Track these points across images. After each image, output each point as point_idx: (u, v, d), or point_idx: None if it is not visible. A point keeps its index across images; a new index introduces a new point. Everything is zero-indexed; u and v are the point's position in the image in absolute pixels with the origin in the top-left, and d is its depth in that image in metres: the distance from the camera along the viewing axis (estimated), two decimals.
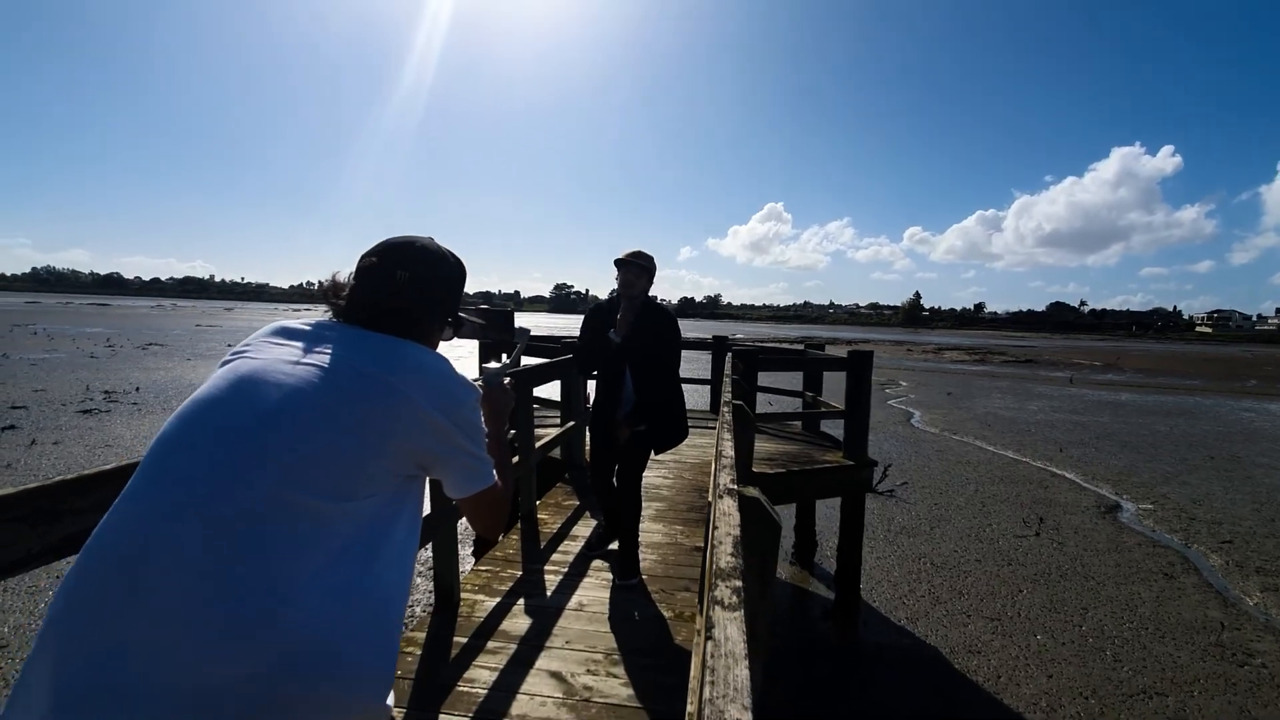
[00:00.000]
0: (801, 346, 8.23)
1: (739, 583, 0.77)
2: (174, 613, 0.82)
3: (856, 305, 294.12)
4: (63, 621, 0.83)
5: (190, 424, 0.96)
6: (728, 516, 1.03)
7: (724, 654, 0.61)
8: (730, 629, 0.65)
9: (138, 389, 16.88)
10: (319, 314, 1.19)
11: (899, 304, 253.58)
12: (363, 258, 1.17)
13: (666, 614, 2.76)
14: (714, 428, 7.39)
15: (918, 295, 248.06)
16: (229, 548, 0.85)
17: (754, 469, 4.75)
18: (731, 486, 1.18)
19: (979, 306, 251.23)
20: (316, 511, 0.91)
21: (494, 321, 1.53)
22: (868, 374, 5.52)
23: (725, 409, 2.20)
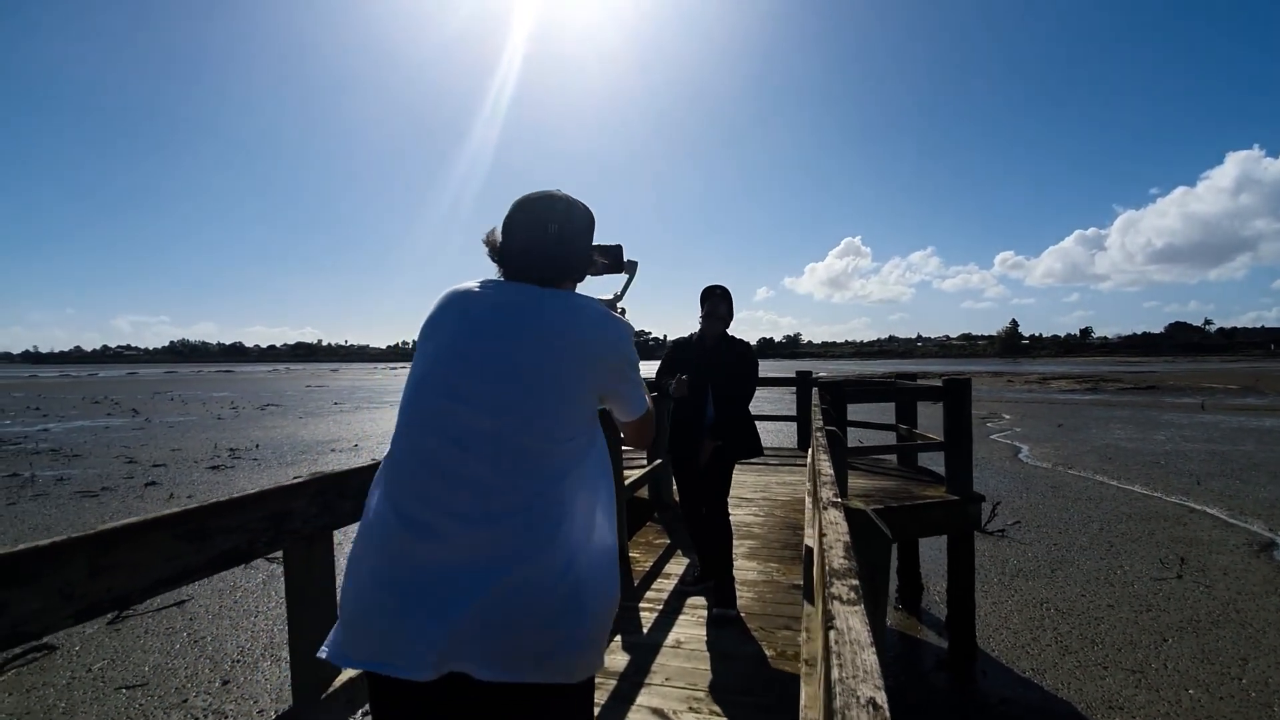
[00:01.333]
0: (892, 378, 7.93)
1: (855, 581, 0.75)
2: (478, 518, 1.03)
3: (947, 337, 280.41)
4: (379, 527, 1.05)
5: (438, 390, 1.13)
6: (835, 525, 1.00)
7: (848, 641, 0.59)
8: (852, 620, 0.63)
9: (258, 446, 18.36)
10: (485, 278, 1.28)
11: (994, 333, 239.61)
12: (513, 215, 1.28)
13: (768, 652, 2.66)
14: (802, 465, 7.18)
15: (1015, 323, 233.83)
16: (513, 471, 1.06)
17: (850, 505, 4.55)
18: (835, 499, 1.15)
19: (1085, 331, 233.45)
20: (547, 450, 1.09)
21: (611, 257, 1.70)
22: (967, 402, 5.23)
23: (818, 433, 2.15)
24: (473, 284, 1.25)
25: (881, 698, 0.48)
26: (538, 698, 1.04)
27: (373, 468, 1.64)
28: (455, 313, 1.19)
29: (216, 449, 17.96)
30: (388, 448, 1.15)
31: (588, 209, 1.33)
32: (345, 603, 1.05)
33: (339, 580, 1.15)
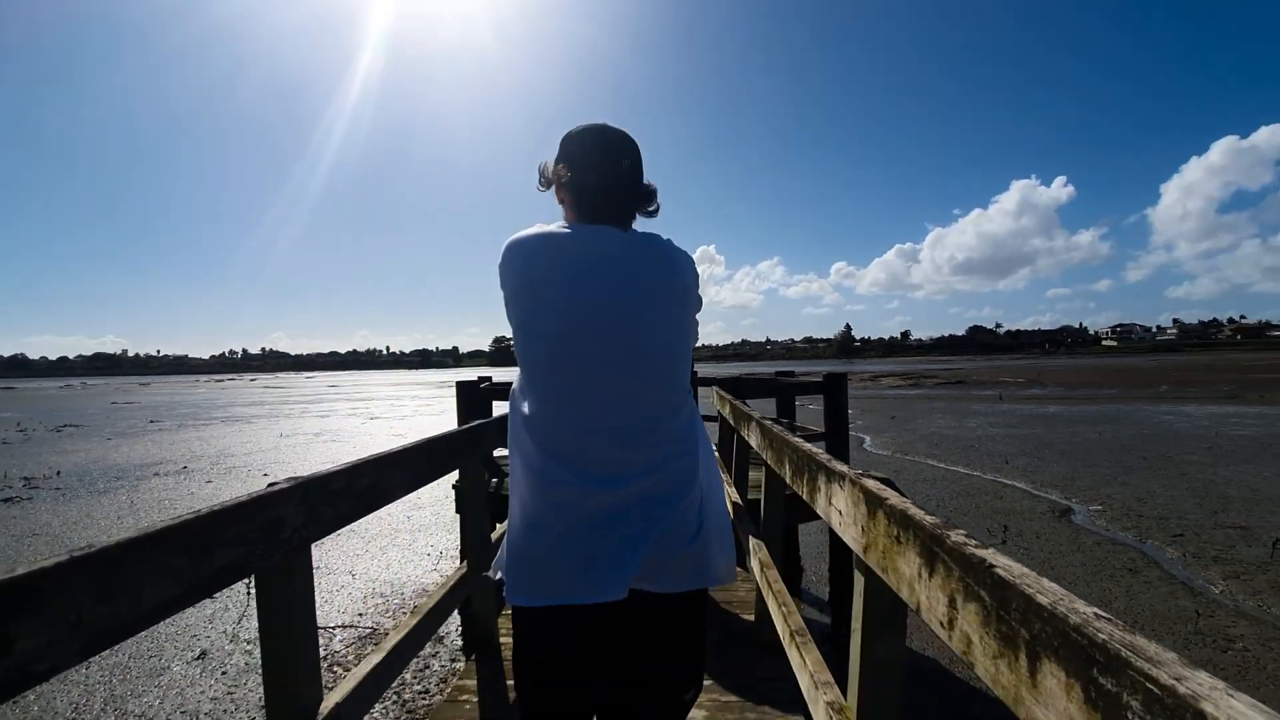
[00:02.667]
0: (773, 374, 8.46)
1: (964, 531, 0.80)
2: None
3: (792, 340, 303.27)
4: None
5: (587, 354, 1.20)
6: (880, 490, 1.07)
7: (1019, 575, 0.63)
8: (1000, 559, 0.68)
9: (59, 473, 15.53)
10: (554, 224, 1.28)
11: (831, 336, 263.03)
12: (585, 150, 1.28)
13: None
14: None
15: (848, 327, 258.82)
16: (663, 425, 1.23)
17: (748, 496, 4.79)
18: (857, 473, 1.22)
19: (905, 334, 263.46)
20: (682, 401, 1.28)
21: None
22: (844, 395, 5.70)
23: (766, 423, 2.25)
24: (558, 228, 1.25)
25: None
26: (686, 602, 1.27)
27: (350, 469, 1.48)
28: (568, 267, 1.21)
29: (6, 477, 15.01)
30: (523, 404, 1.24)
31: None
32: (535, 553, 1.19)
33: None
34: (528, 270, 1.21)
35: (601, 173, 1.26)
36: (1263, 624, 5.85)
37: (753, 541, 2.50)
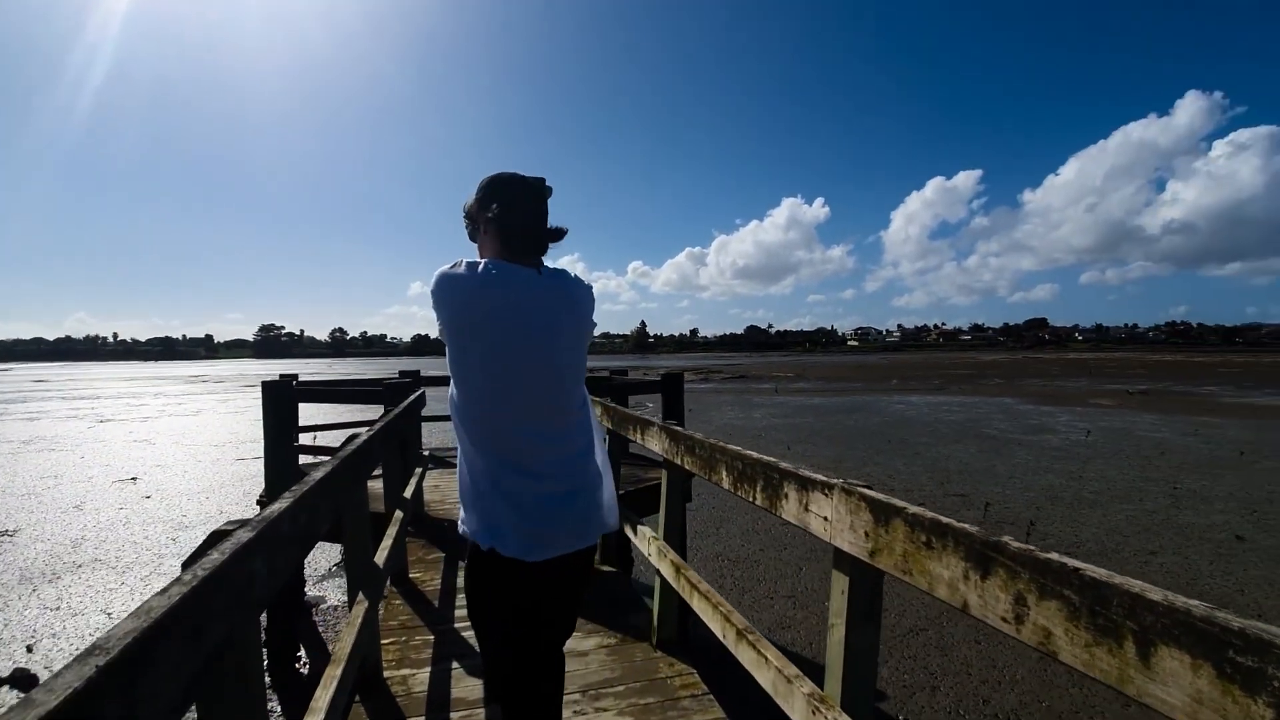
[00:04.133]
0: (607, 373, 8.63)
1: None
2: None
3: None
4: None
5: (531, 374, 1.53)
6: (890, 500, 1.21)
7: (1107, 575, 0.79)
8: (1080, 563, 0.83)
9: None
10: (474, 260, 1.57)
11: (628, 332, 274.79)
12: (517, 195, 1.57)
13: (611, 640, 2.74)
14: None
15: (643, 324, 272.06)
16: (583, 430, 1.64)
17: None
18: (850, 483, 1.36)
19: (694, 332, 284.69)
20: (587, 411, 1.68)
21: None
22: (680, 394, 6.06)
23: (680, 430, 2.34)
24: (488, 267, 1.50)
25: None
26: (592, 551, 1.69)
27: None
28: (509, 297, 1.49)
29: None
30: (469, 418, 1.55)
31: None
32: (521, 522, 1.51)
33: None
34: (468, 308, 1.48)
35: (532, 215, 1.57)
36: None
37: (652, 539, 2.58)
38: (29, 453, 16.85)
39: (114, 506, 10.99)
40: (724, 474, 1.89)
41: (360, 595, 2.03)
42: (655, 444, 2.57)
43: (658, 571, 2.46)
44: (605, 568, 3.73)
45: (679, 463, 2.28)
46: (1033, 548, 0.90)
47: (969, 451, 15.51)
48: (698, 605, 2.02)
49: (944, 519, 1.05)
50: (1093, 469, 13.13)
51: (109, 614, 6.50)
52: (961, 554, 0.98)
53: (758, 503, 1.68)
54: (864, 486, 1.33)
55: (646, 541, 2.59)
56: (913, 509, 1.12)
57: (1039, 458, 14.54)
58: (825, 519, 1.37)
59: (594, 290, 1.65)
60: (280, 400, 5.33)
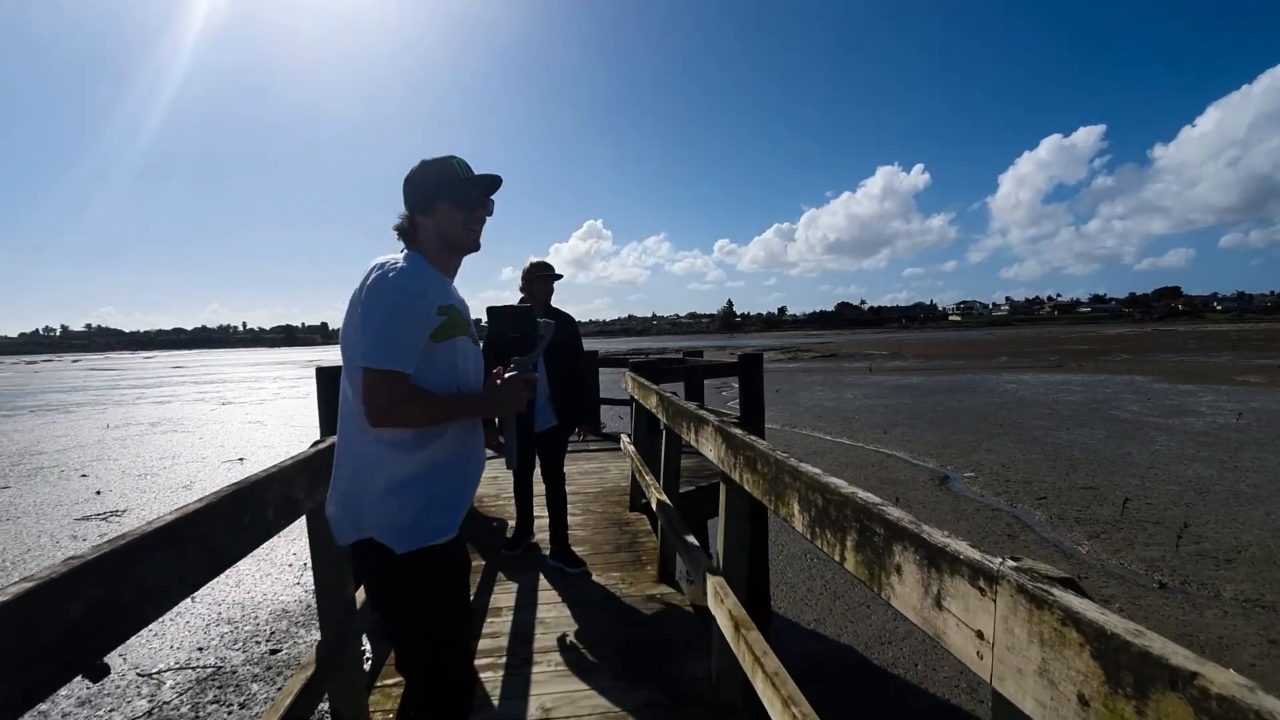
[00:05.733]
0: (680, 354, 8.07)
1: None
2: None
3: (677, 315, 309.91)
4: None
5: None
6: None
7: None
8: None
9: None
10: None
11: (714, 312, 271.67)
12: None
13: (660, 698, 2.21)
14: (607, 452, 6.90)
15: (730, 303, 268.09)
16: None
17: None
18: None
19: (782, 310, 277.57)
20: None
21: (515, 320, 1.82)
22: (760, 377, 5.39)
23: (736, 433, 1.74)
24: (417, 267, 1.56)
25: None
26: (363, 549, 1.60)
27: None
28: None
29: None
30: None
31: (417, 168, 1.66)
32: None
33: None
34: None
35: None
36: (1129, 583, 6.31)
37: (709, 573, 2.00)
38: (154, 434, 18.37)
39: (218, 486, 11.62)
40: (795, 507, 1.28)
41: (317, 650, 1.59)
42: (709, 449, 1.98)
43: (713, 616, 1.88)
44: (663, 588, 3.18)
45: (737, 479, 1.68)
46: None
47: (1096, 436, 13.77)
48: (760, 686, 1.43)
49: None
50: (1248, 457, 11.24)
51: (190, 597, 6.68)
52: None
53: (848, 566, 1.07)
54: (1063, 583, 0.70)
55: (703, 574, 2.01)
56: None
57: (1182, 444, 12.66)
58: (980, 636, 0.74)
59: (381, 268, 1.49)
60: (326, 385, 5.13)
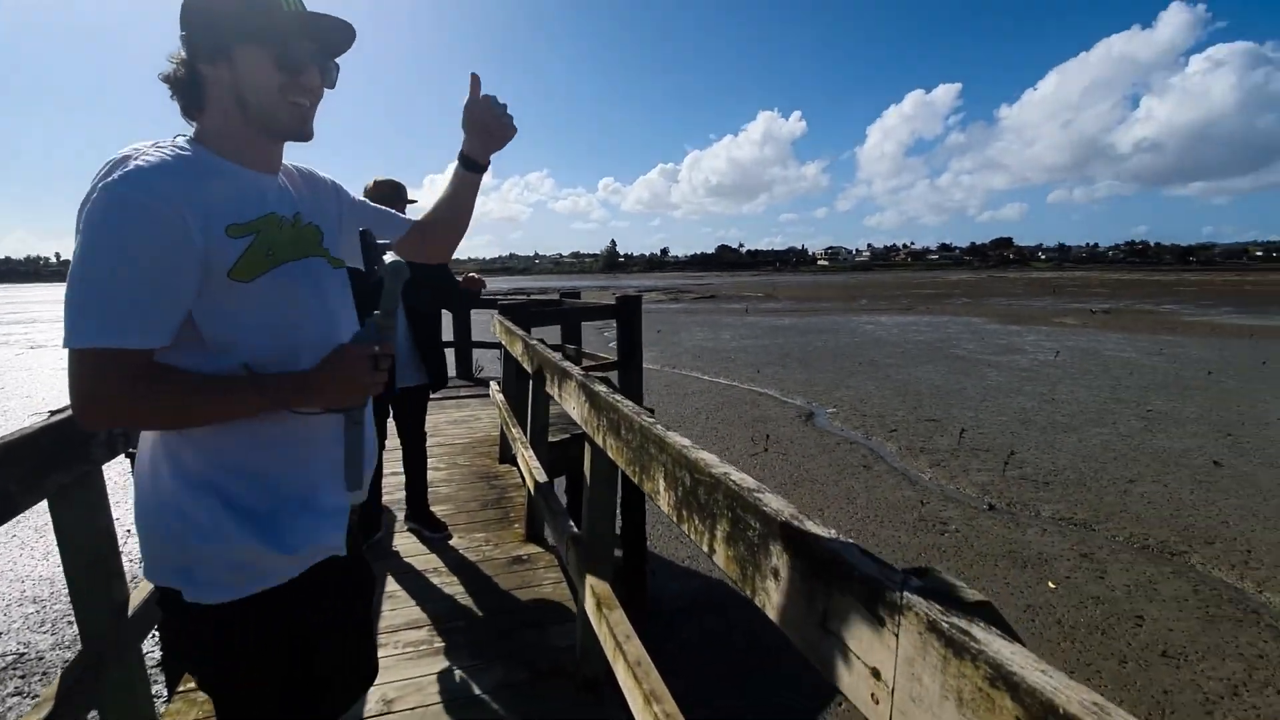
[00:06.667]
0: (556, 295, 7.71)
1: None
2: None
3: (560, 255, 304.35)
4: None
5: None
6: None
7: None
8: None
9: None
10: None
11: (598, 252, 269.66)
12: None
13: (522, 675, 2.03)
14: (470, 399, 6.51)
15: (614, 243, 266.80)
16: None
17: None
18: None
19: (665, 251, 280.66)
20: None
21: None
22: (638, 319, 5.22)
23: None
24: None
25: None
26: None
27: None
28: None
29: None
30: None
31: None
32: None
33: None
34: None
35: None
36: (964, 506, 7.00)
37: (570, 542, 1.81)
38: None
39: None
40: (660, 483, 1.08)
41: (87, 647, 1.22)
42: (573, 406, 1.75)
43: (574, 587, 1.69)
44: (532, 548, 2.98)
45: (599, 443, 1.47)
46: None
47: (939, 373, 15.17)
48: (621, 675, 1.27)
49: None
50: (1063, 390, 12.87)
51: None
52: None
53: (718, 561, 0.89)
54: (979, 609, 0.54)
55: (565, 542, 1.80)
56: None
57: (1009, 379, 14.25)
58: (875, 675, 0.58)
59: (107, 173, 0.90)
60: None
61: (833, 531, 0.69)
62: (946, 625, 0.50)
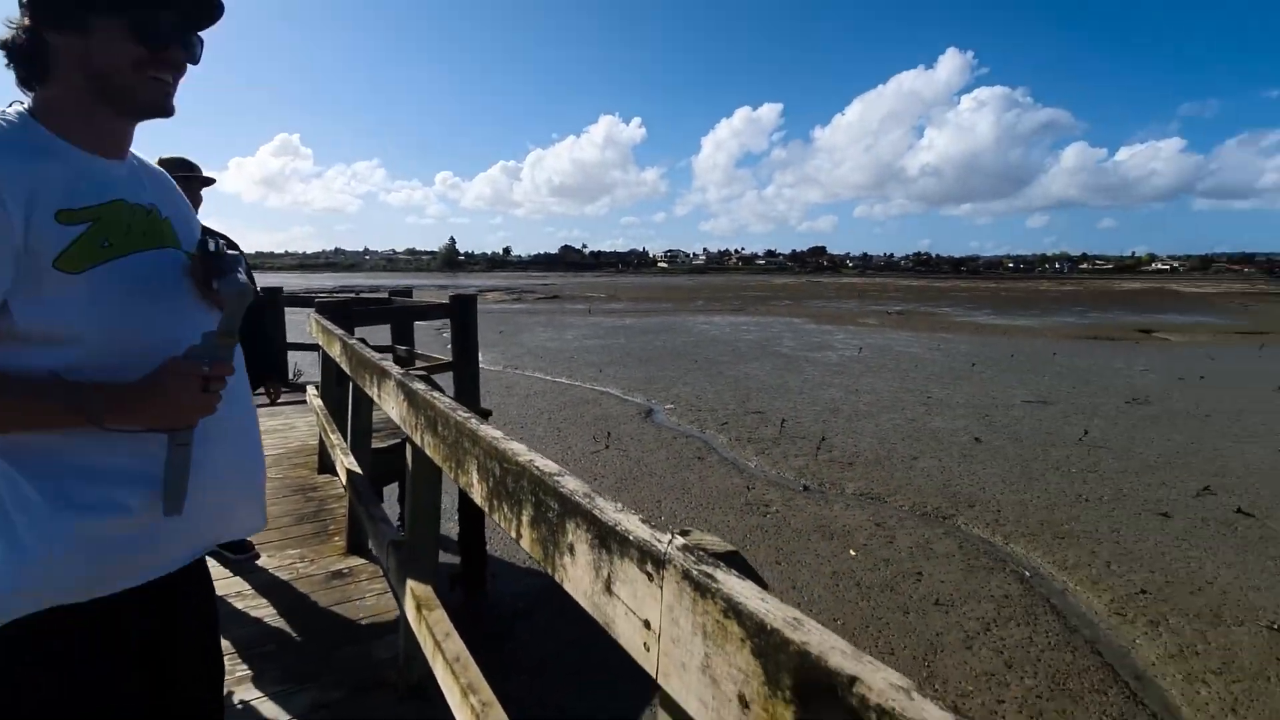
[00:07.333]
0: (386, 294, 7.25)
1: None
2: None
3: (394, 251, 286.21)
4: None
5: None
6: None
7: None
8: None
9: None
10: None
11: (436, 249, 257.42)
12: None
13: (336, 694, 1.90)
14: (299, 405, 5.93)
15: (453, 240, 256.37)
16: None
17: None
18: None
19: (507, 250, 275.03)
20: None
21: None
22: (473, 318, 5.10)
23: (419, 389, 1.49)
24: None
25: None
26: None
27: None
28: None
29: None
30: None
31: None
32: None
33: None
34: None
35: None
36: (784, 489, 7.69)
37: (390, 546, 1.75)
38: None
39: None
40: (474, 475, 1.10)
41: None
42: (392, 407, 1.70)
43: (396, 594, 1.64)
44: (354, 560, 2.82)
45: (419, 442, 1.45)
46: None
47: (765, 369, 16.49)
48: (440, 673, 1.26)
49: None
50: (865, 382, 14.59)
51: None
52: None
53: (524, 545, 0.94)
54: (727, 559, 0.63)
55: (386, 548, 1.74)
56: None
57: (822, 373, 15.87)
58: (647, 626, 0.65)
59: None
60: None
61: (618, 505, 0.76)
62: (696, 572, 0.59)
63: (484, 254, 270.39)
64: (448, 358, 5.46)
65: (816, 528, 6.52)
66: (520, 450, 0.96)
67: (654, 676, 0.64)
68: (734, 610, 0.54)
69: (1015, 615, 4.94)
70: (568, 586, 0.80)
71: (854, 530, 6.47)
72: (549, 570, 0.85)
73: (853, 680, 0.44)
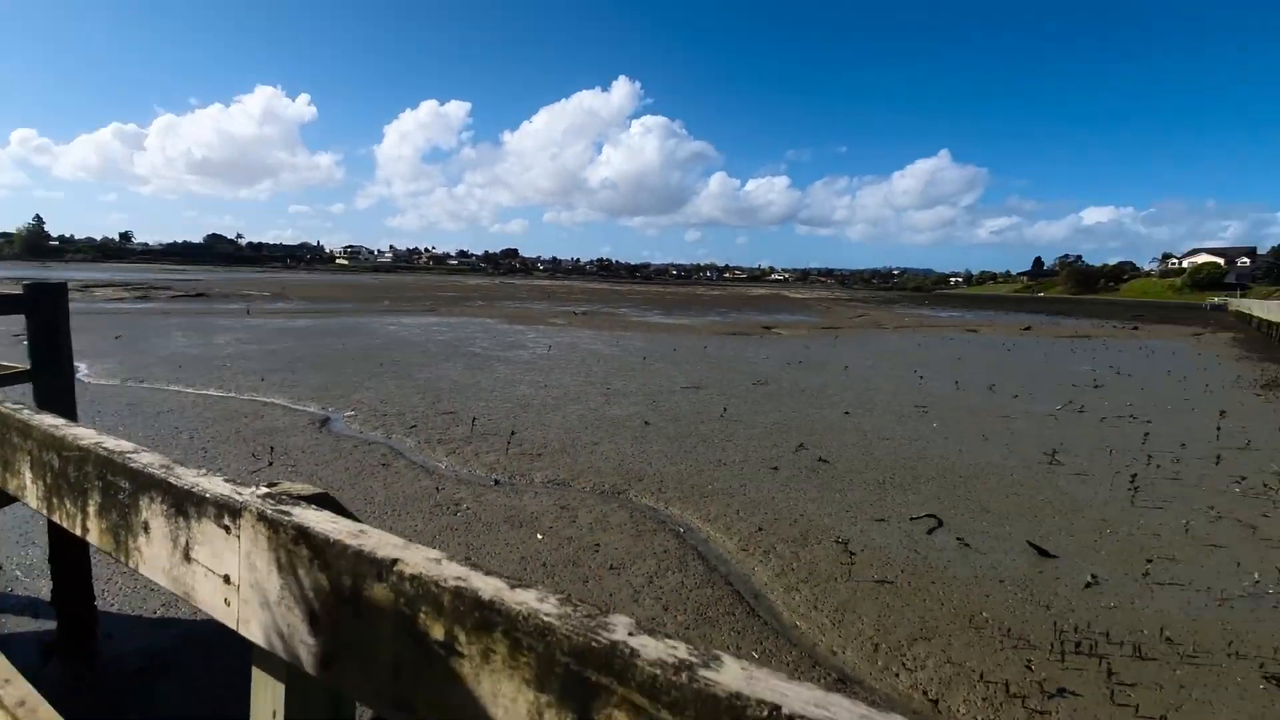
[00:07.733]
0: None
1: None
2: None
3: None
4: None
5: None
6: None
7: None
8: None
9: None
10: None
11: (14, 230, 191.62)
12: None
13: None
14: None
15: (39, 219, 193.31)
16: None
17: None
18: None
19: (126, 236, 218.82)
20: None
21: None
22: (64, 314, 4.01)
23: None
24: None
25: None
26: None
27: None
28: None
29: None
30: None
31: None
32: None
33: None
34: None
35: None
36: (474, 485, 7.72)
37: None
38: None
39: None
40: (27, 476, 0.92)
41: None
42: None
43: None
44: None
45: None
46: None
47: (458, 369, 16.26)
48: None
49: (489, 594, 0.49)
50: (554, 378, 15.43)
51: None
52: None
53: (93, 539, 0.83)
54: (315, 500, 0.67)
55: None
56: (408, 559, 0.52)
57: (514, 371, 16.30)
58: (227, 581, 0.65)
59: None
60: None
61: (202, 470, 0.73)
62: (272, 511, 0.62)
63: (90, 240, 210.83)
64: (24, 365, 4.17)
65: (506, 518, 6.71)
66: (87, 433, 0.84)
67: (235, 628, 0.65)
68: (303, 535, 0.59)
69: (671, 566, 5.81)
70: (144, 569, 0.74)
71: (541, 515, 6.83)
72: (122, 558, 0.77)
73: (395, 561, 0.53)
